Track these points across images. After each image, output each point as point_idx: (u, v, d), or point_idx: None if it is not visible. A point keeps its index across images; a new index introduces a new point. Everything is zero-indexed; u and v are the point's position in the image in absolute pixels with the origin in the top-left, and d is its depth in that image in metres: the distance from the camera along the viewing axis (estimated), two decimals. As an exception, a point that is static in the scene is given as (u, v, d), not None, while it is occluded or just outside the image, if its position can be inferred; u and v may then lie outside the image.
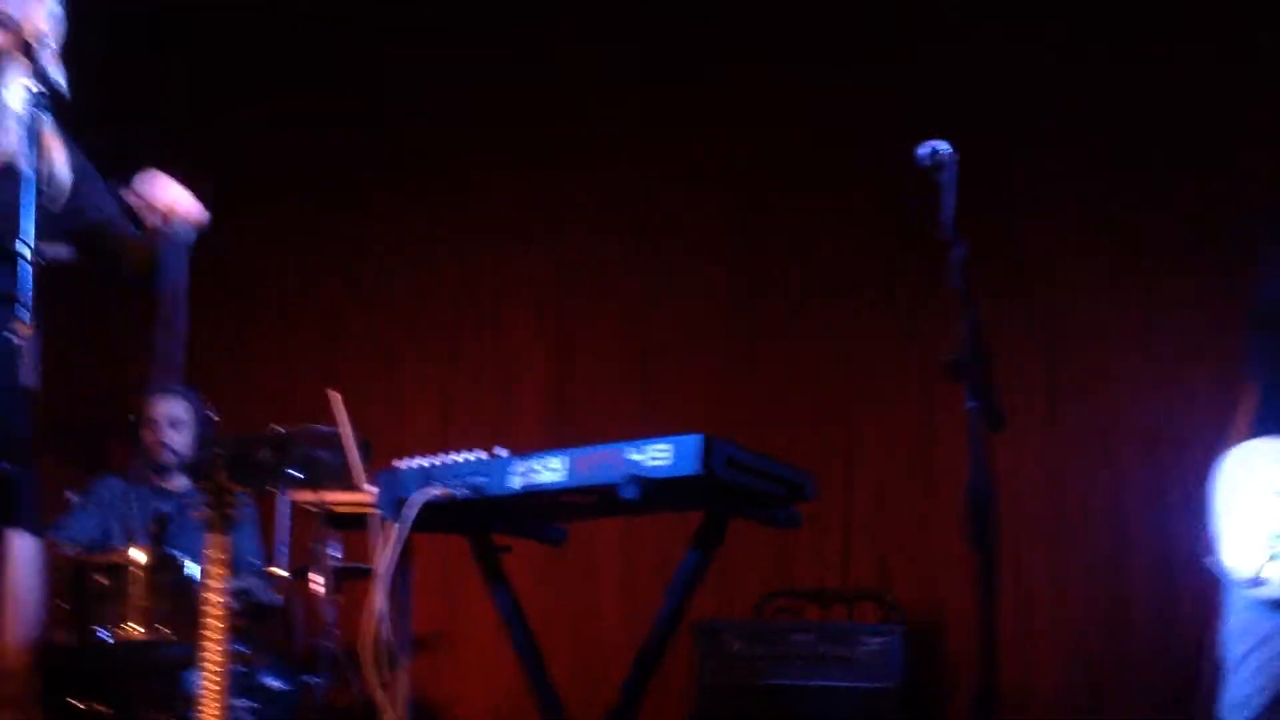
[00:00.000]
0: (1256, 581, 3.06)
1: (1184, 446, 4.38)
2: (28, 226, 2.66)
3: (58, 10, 3.00)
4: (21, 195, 2.67)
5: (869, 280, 5.15)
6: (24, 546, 2.87)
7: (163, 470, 4.76)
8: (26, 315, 2.62)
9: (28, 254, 2.64)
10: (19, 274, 2.63)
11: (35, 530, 2.92)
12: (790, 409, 5.16)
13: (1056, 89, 4.97)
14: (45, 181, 2.89)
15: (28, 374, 2.59)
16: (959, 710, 4.49)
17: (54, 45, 2.94)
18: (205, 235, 3.11)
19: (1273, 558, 3.08)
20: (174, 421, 4.76)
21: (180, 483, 4.77)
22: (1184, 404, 4.59)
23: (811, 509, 3.09)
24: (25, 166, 2.71)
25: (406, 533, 2.93)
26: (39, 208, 2.71)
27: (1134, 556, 4.67)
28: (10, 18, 2.88)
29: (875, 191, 5.04)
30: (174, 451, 4.74)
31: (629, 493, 2.67)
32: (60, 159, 3.00)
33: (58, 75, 2.87)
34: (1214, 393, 3.83)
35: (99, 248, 3.16)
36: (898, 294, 5.08)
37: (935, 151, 3.11)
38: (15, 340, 2.60)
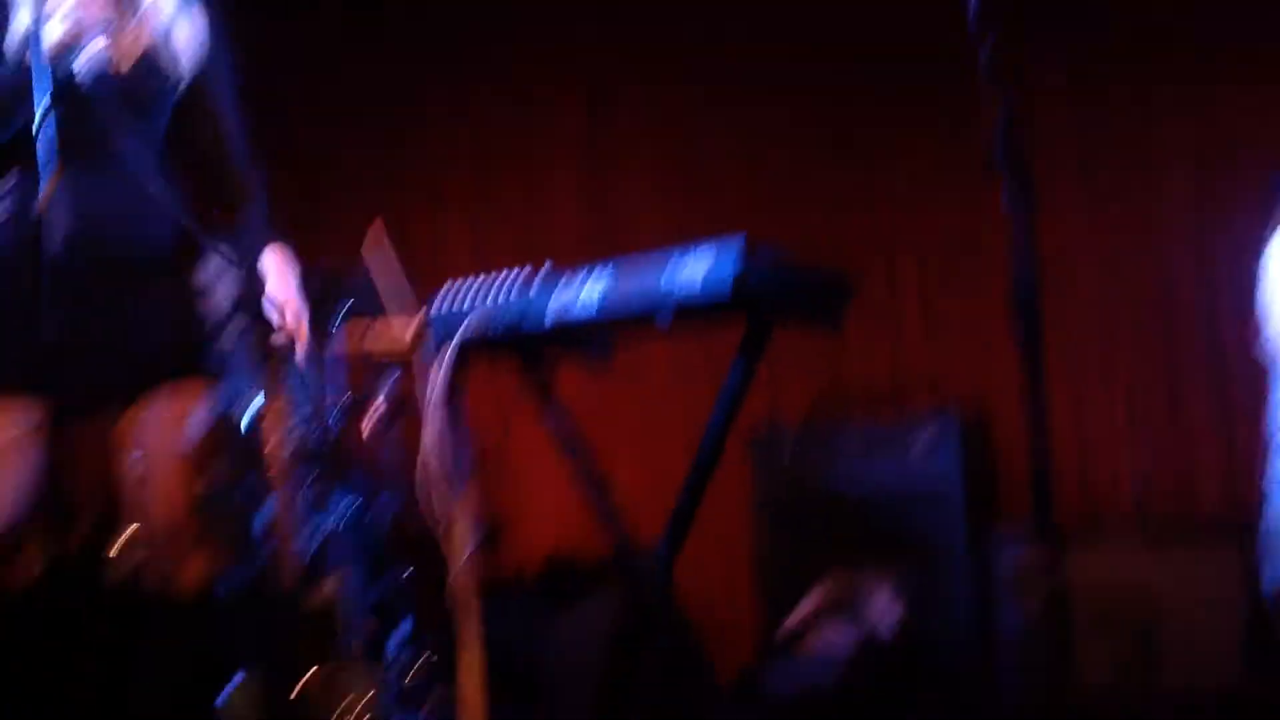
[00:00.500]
0: None
1: (1231, 229, 4.28)
2: None
3: None
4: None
5: (908, 76, 5.02)
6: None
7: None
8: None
9: None
10: None
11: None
12: (832, 211, 5.10)
13: None
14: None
15: None
16: (1017, 503, 4.51)
17: None
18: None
19: None
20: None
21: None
22: (1230, 186, 4.48)
23: (858, 312, 3.06)
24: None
25: (449, 372, 2.95)
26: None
27: (1184, 343, 4.62)
28: None
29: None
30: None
31: (664, 321, 2.66)
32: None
33: None
34: (1263, 175, 3.71)
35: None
36: (939, 89, 4.95)
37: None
38: None
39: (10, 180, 2.79)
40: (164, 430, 2.84)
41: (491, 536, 5.18)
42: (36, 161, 2.64)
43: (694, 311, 2.71)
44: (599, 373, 3.27)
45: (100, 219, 2.75)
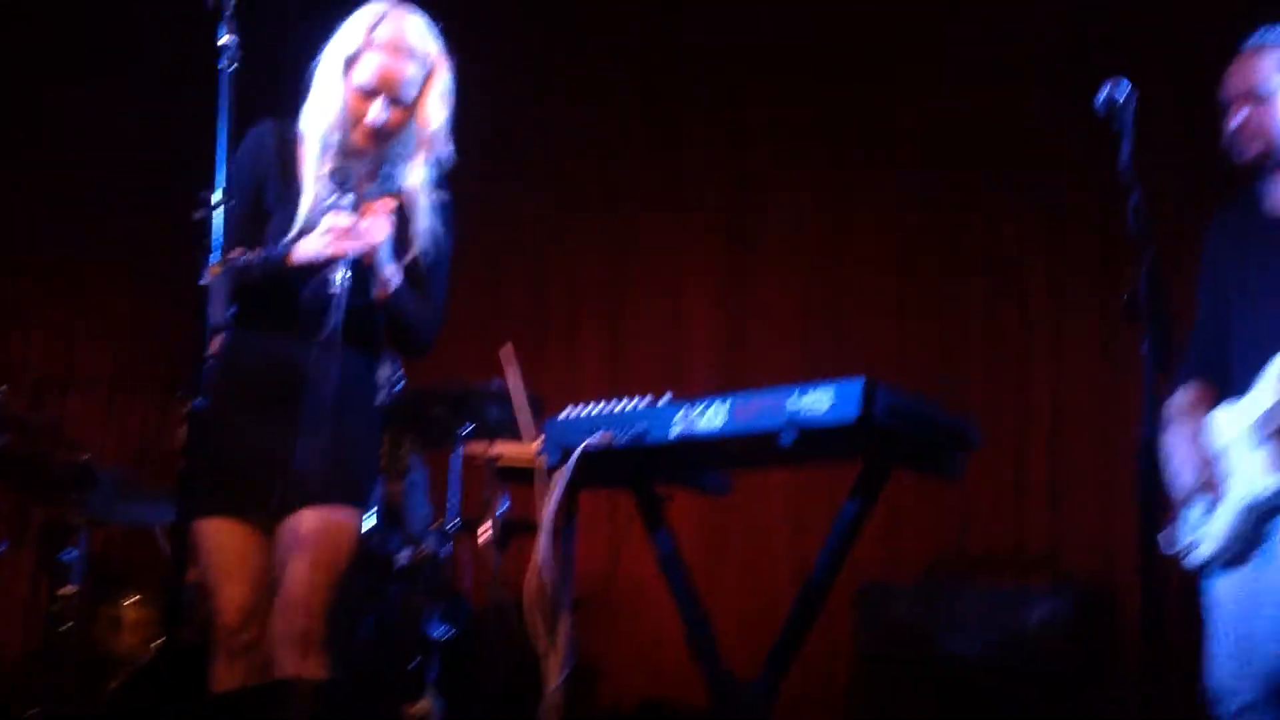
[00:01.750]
0: None
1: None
2: None
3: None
4: None
5: (1044, 226, 5.03)
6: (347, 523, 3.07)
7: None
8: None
9: None
10: None
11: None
12: (961, 360, 5.09)
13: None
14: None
15: None
16: (1132, 679, 4.36)
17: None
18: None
19: None
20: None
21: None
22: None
23: (983, 467, 3.03)
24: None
25: (568, 479, 2.97)
26: None
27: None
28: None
29: (1049, 142, 4.94)
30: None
31: (787, 439, 2.66)
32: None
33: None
34: None
35: None
36: (1074, 240, 4.96)
37: (1113, 96, 3.04)
38: None
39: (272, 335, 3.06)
40: (318, 540, 2.97)
41: (585, 674, 5.14)
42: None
43: (816, 440, 2.70)
44: (716, 497, 3.27)
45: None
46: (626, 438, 2.94)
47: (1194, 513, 3.12)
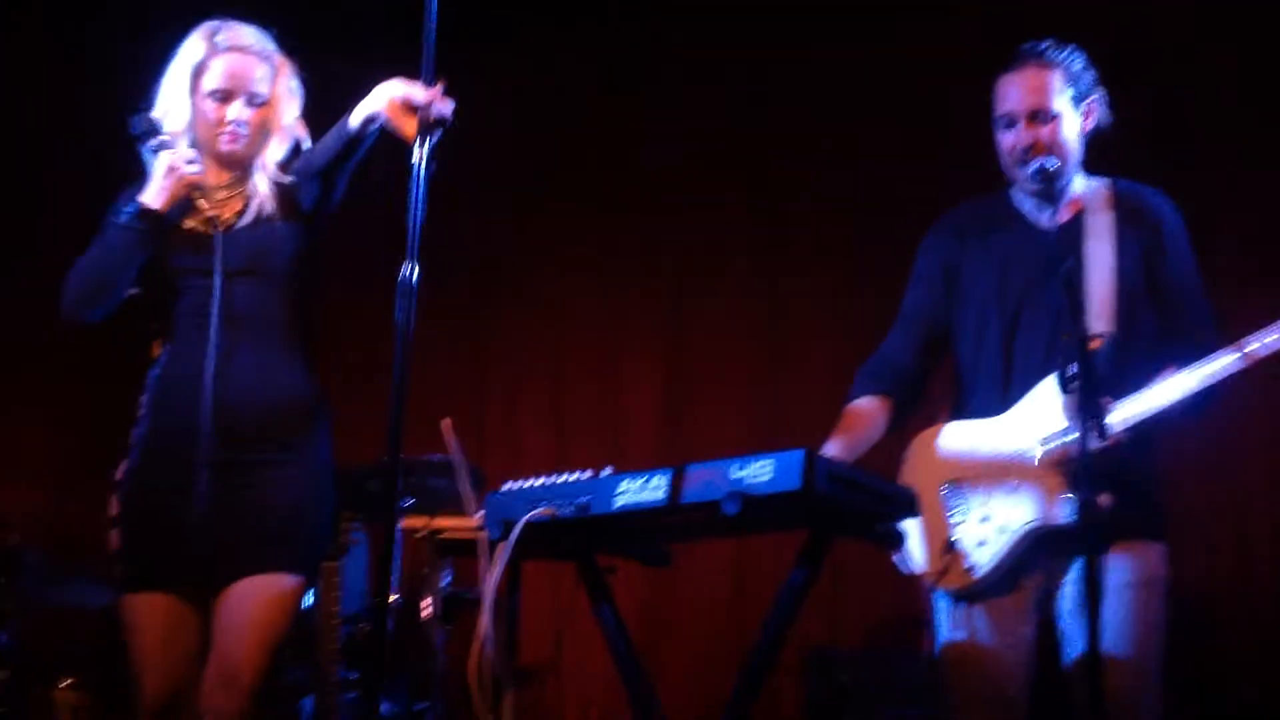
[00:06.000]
0: None
1: None
2: None
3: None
4: None
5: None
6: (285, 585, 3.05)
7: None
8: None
9: None
10: None
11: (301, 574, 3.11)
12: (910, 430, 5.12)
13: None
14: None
15: None
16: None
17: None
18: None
19: None
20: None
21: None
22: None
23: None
24: None
25: (510, 553, 2.95)
26: None
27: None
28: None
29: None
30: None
31: (731, 509, 2.66)
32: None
33: None
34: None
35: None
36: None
37: (1044, 166, 3.10)
38: None
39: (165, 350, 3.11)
40: (249, 614, 2.96)
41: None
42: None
43: (759, 510, 2.70)
44: (660, 569, 3.26)
45: (243, 397, 3.03)
46: (569, 510, 2.93)
47: (939, 531, 3.13)
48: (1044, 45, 3.24)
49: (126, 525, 3.03)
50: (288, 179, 3.20)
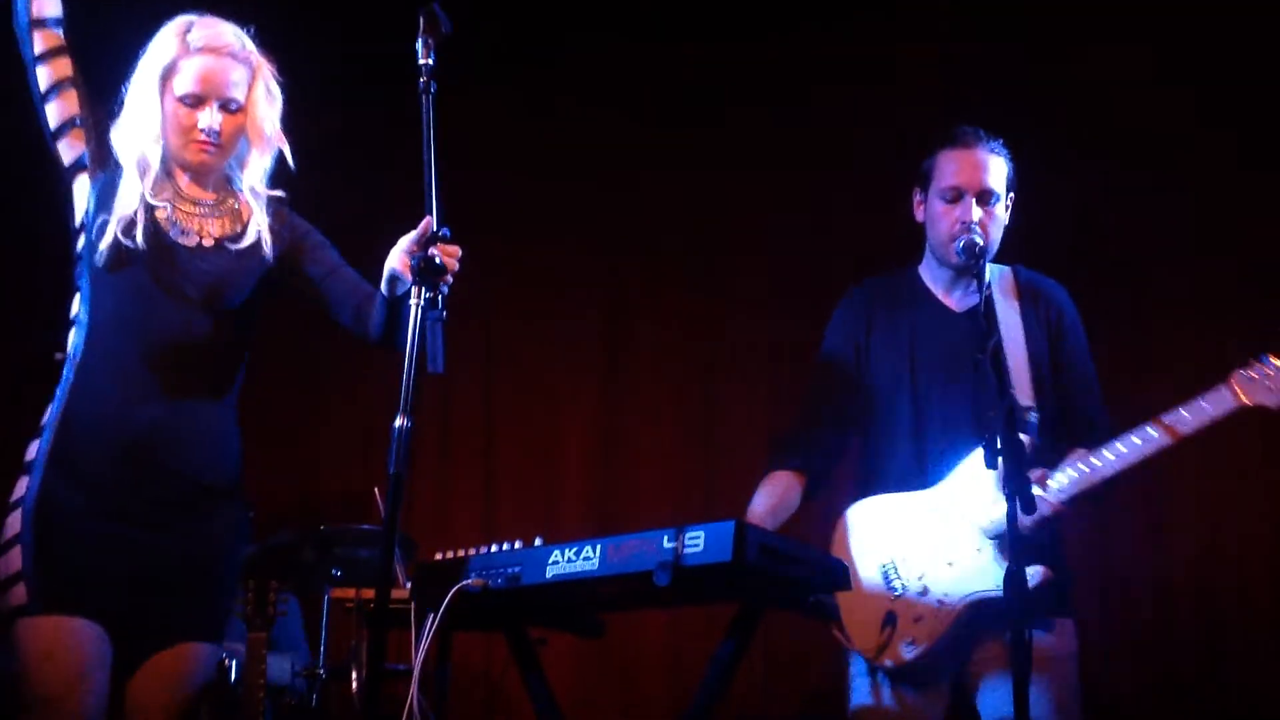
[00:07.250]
0: None
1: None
2: None
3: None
4: None
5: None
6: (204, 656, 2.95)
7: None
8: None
9: None
10: None
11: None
12: (833, 497, 5.14)
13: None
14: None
15: None
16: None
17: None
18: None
19: None
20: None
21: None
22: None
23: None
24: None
25: (440, 623, 2.93)
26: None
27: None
28: None
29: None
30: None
31: (662, 579, 2.66)
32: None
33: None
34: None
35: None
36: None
37: (972, 242, 3.16)
38: None
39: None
40: (158, 697, 2.85)
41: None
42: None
43: (690, 581, 2.70)
44: (591, 639, 3.24)
45: (169, 435, 2.85)
46: (499, 580, 2.92)
47: (878, 605, 3.15)
48: (981, 131, 3.32)
49: (38, 543, 2.76)
50: (276, 225, 3.01)
